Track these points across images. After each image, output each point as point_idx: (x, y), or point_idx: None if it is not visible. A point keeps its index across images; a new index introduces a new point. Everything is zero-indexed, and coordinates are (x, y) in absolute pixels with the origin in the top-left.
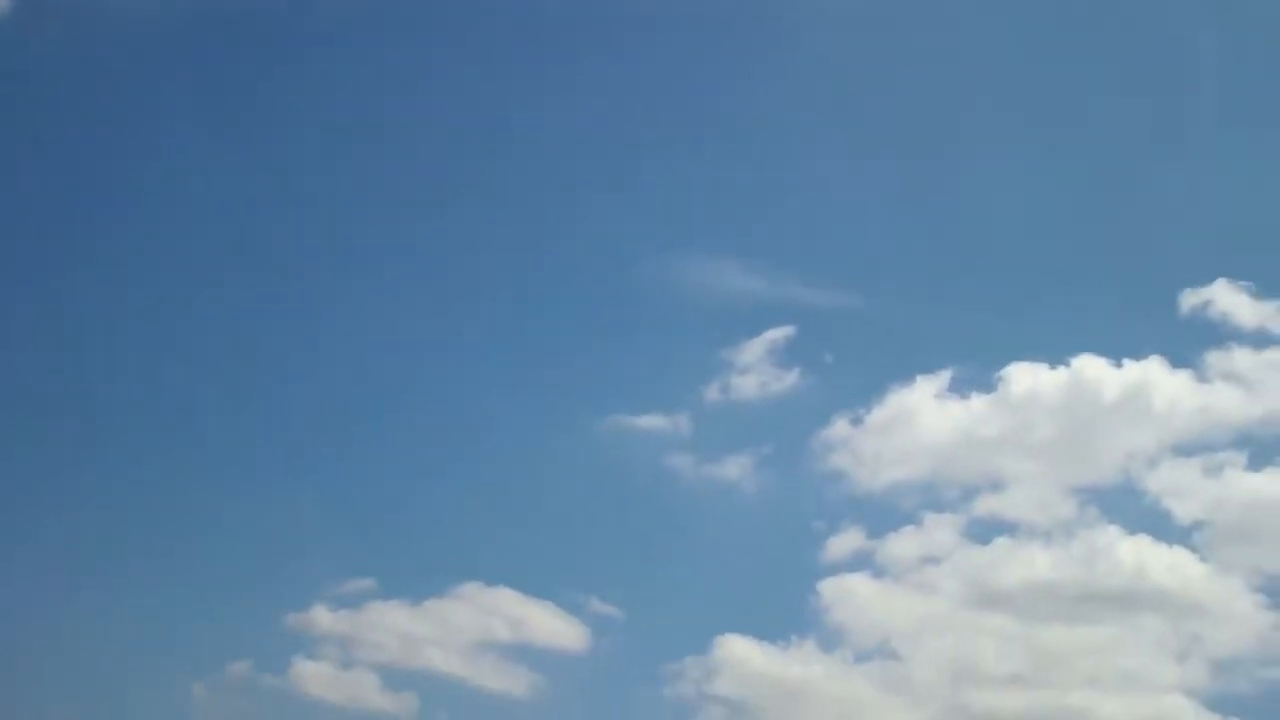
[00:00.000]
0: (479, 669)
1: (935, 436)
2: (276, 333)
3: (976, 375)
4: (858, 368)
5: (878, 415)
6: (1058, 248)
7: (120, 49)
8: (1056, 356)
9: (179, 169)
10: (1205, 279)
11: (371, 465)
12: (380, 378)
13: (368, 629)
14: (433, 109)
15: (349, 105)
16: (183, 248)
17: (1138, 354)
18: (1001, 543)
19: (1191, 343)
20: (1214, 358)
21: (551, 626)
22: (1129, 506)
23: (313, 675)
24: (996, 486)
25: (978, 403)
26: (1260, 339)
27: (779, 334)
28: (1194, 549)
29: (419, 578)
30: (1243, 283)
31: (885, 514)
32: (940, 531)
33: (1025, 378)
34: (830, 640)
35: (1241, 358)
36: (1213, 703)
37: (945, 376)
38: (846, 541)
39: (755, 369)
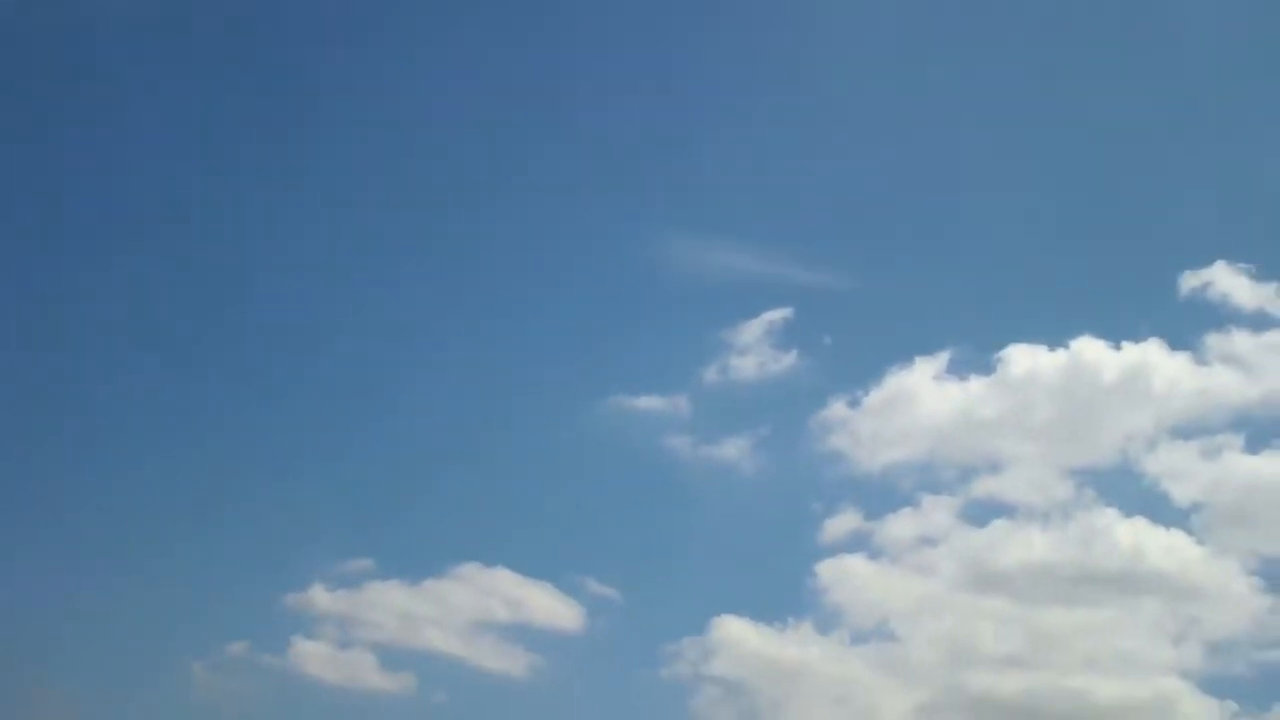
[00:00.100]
0: (477, 649)
1: (933, 418)
2: (275, 317)
3: (975, 357)
4: (856, 349)
5: (876, 397)
6: (1057, 229)
7: (121, 48)
8: (1055, 338)
9: (176, 156)
10: (1205, 261)
11: (370, 446)
12: (378, 360)
13: (366, 609)
14: (431, 96)
15: (354, 94)
16: (181, 231)
17: (1137, 336)
18: (999, 524)
19: (1191, 325)
20: (1213, 340)
21: (549, 607)
22: (1127, 488)
23: (311, 655)
24: (994, 468)
25: (976, 384)
26: (1260, 321)
27: (777, 315)
28: (1191, 531)
29: (417, 558)
30: (1242, 265)
31: (883, 495)
32: (938, 513)
33: (1024, 359)
34: (827, 621)
35: (1241, 340)
36: (1209, 685)
37: (944, 358)
38: (844, 523)
39: (753, 350)
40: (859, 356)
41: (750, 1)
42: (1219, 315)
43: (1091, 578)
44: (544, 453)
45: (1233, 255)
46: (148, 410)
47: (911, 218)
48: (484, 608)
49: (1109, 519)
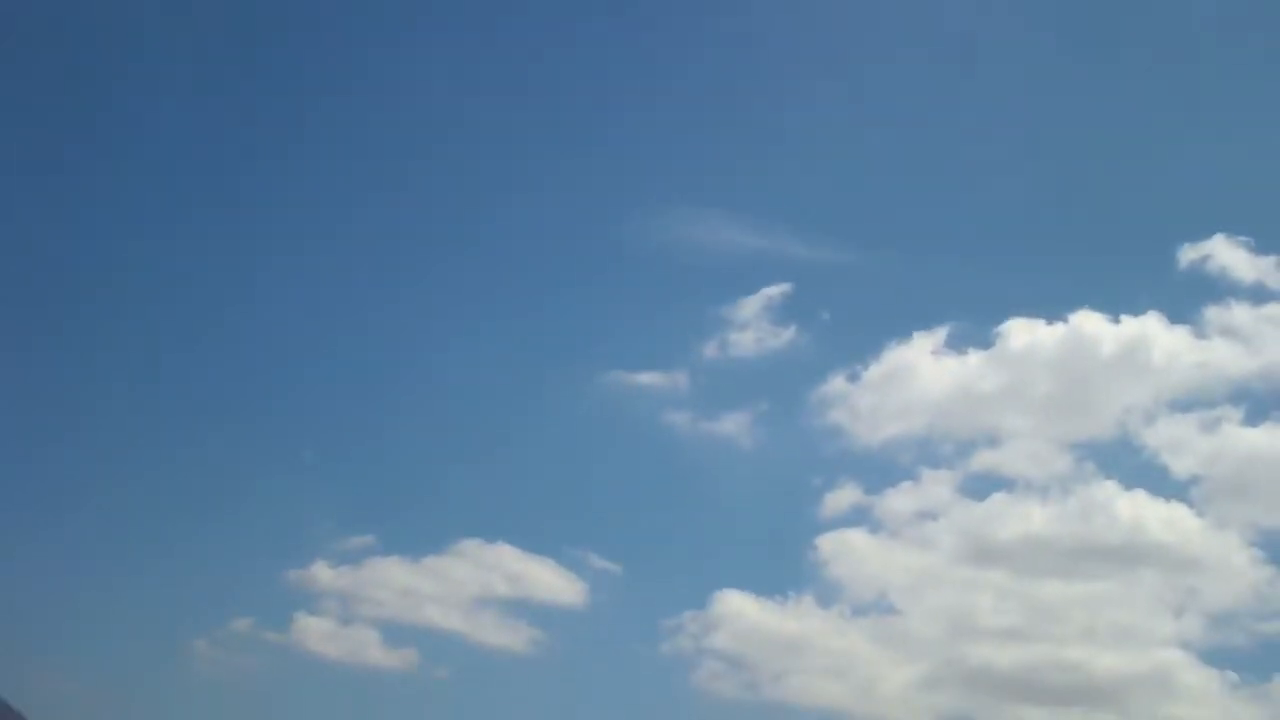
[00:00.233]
0: (478, 624)
1: (932, 392)
2: (280, 300)
3: (974, 331)
4: (855, 324)
5: (875, 371)
6: (1056, 203)
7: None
8: (1054, 312)
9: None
10: (1204, 234)
11: (371, 423)
12: (379, 338)
13: (368, 585)
14: (435, 80)
15: (360, 78)
16: (184, 212)
17: (1136, 309)
18: (998, 498)
19: (1190, 298)
20: (1212, 313)
21: (550, 582)
22: (1126, 461)
23: (314, 631)
24: (994, 442)
25: (975, 359)
26: (1259, 294)
27: (776, 291)
28: (1190, 504)
29: (419, 534)
30: (1241, 238)
31: (882, 469)
32: (937, 487)
33: (1023, 333)
34: (828, 595)
35: (1240, 313)
36: (1208, 656)
37: (943, 332)
38: (844, 497)
39: (752, 326)
40: (858, 331)
41: None
42: (1218, 288)
43: (1091, 550)
44: (544, 429)
45: (1232, 228)
46: (154, 391)
47: (910, 193)
48: (485, 583)
49: (1108, 492)
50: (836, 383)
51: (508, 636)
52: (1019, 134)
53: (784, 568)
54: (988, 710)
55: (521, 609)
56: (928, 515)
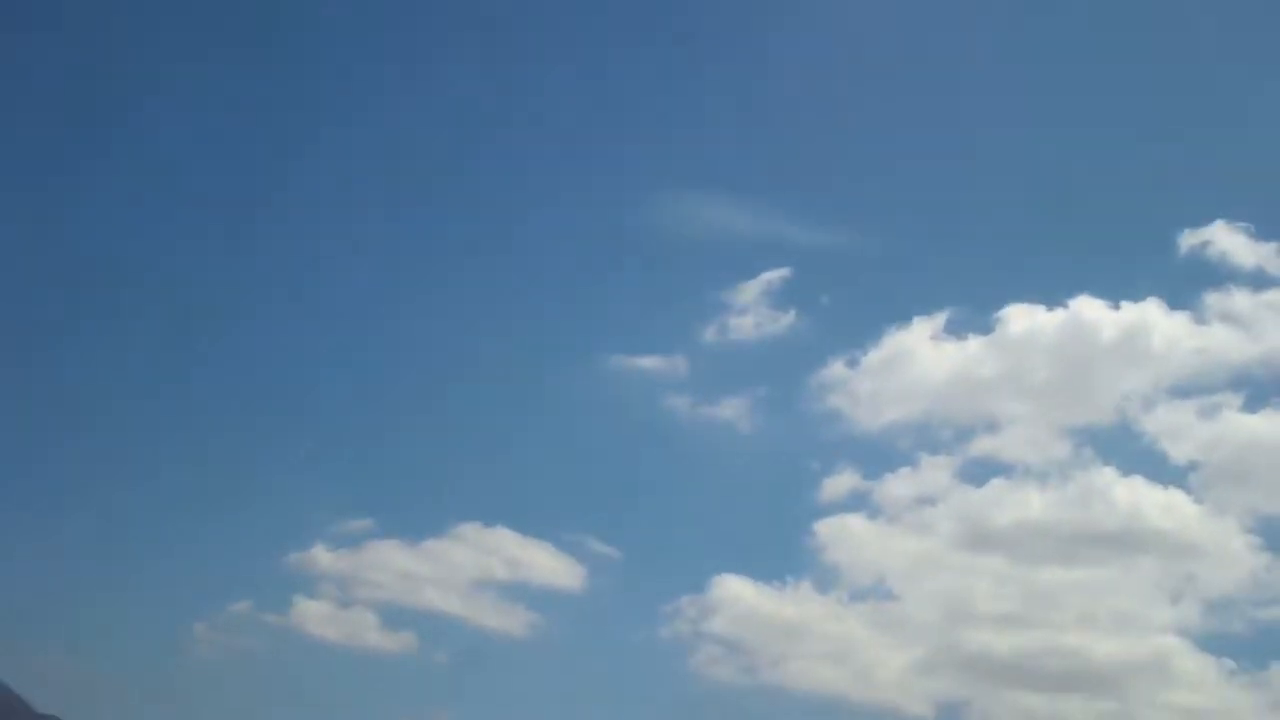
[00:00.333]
0: (477, 608)
1: (931, 378)
2: (278, 281)
3: (974, 316)
4: (854, 309)
5: (874, 356)
6: (1056, 189)
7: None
8: (1054, 298)
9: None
10: (1204, 219)
11: (371, 406)
12: (380, 321)
13: (367, 568)
14: (434, 70)
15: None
16: (186, 208)
17: (1136, 295)
18: (997, 483)
19: (1190, 284)
20: (1212, 299)
21: (549, 566)
22: (1124, 447)
23: (313, 614)
24: (993, 427)
25: (974, 344)
26: (1259, 280)
27: (775, 275)
28: (1189, 490)
29: (417, 517)
30: (1241, 224)
31: (881, 455)
32: (936, 472)
33: (1023, 319)
34: (826, 580)
35: (1240, 299)
36: (1206, 643)
37: (942, 318)
38: (842, 482)
39: (752, 310)
40: (857, 316)
41: None
42: (1218, 274)
43: (1089, 536)
44: (543, 413)
45: (1232, 214)
46: (154, 379)
47: (911, 178)
48: (484, 567)
49: (1107, 478)
50: (836, 367)
51: (506, 620)
52: (1020, 119)
53: (782, 553)
54: (985, 696)
55: (520, 593)
56: (926, 501)
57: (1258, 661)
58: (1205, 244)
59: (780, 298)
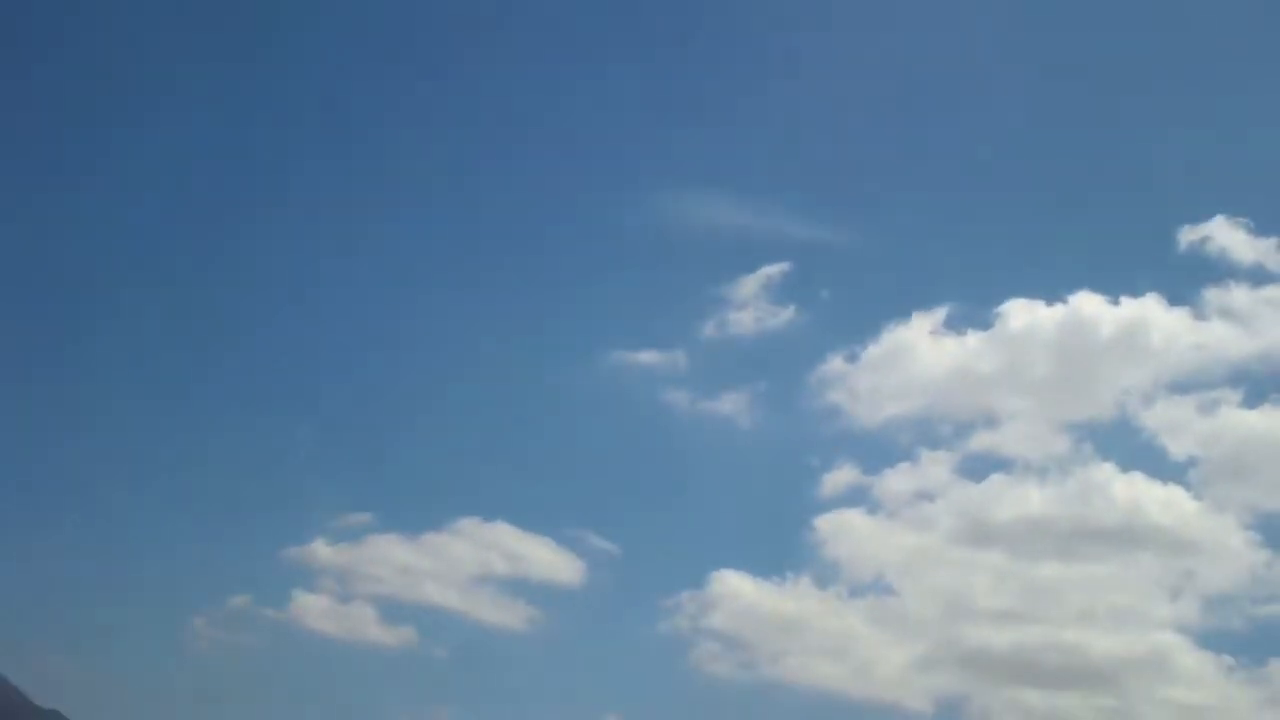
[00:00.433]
0: (476, 603)
1: (931, 373)
2: (279, 274)
3: (973, 312)
4: (854, 304)
5: (874, 352)
6: (1056, 184)
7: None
8: (1054, 293)
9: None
10: (1204, 215)
11: (370, 400)
12: (380, 319)
13: (366, 562)
14: (434, 67)
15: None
16: (188, 206)
17: (1135, 291)
18: (996, 479)
19: (1189, 280)
20: (1212, 295)
21: (548, 561)
22: (1124, 443)
23: (312, 608)
24: (992, 423)
25: (974, 339)
26: (1258, 275)
27: (775, 270)
28: (1188, 486)
29: (417, 512)
30: (1241, 219)
31: (880, 450)
32: (935, 467)
33: (1022, 314)
34: (825, 575)
35: (1239, 295)
36: (1205, 639)
37: (941, 313)
38: (842, 477)
39: (752, 305)
40: (857, 311)
41: None
42: (1218, 270)
43: (1088, 532)
44: (543, 407)
45: (1232, 209)
46: (152, 367)
47: (911, 174)
48: (483, 561)
49: (1106, 474)
50: (835, 363)
51: (506, 615)
52: (1020, 116)
53: (782, 548)
54: (984, 691)
55: (520, 588)
56: (925, 496)
57: (1256, 658)
58: (1205, 240)
59: (780, 292)
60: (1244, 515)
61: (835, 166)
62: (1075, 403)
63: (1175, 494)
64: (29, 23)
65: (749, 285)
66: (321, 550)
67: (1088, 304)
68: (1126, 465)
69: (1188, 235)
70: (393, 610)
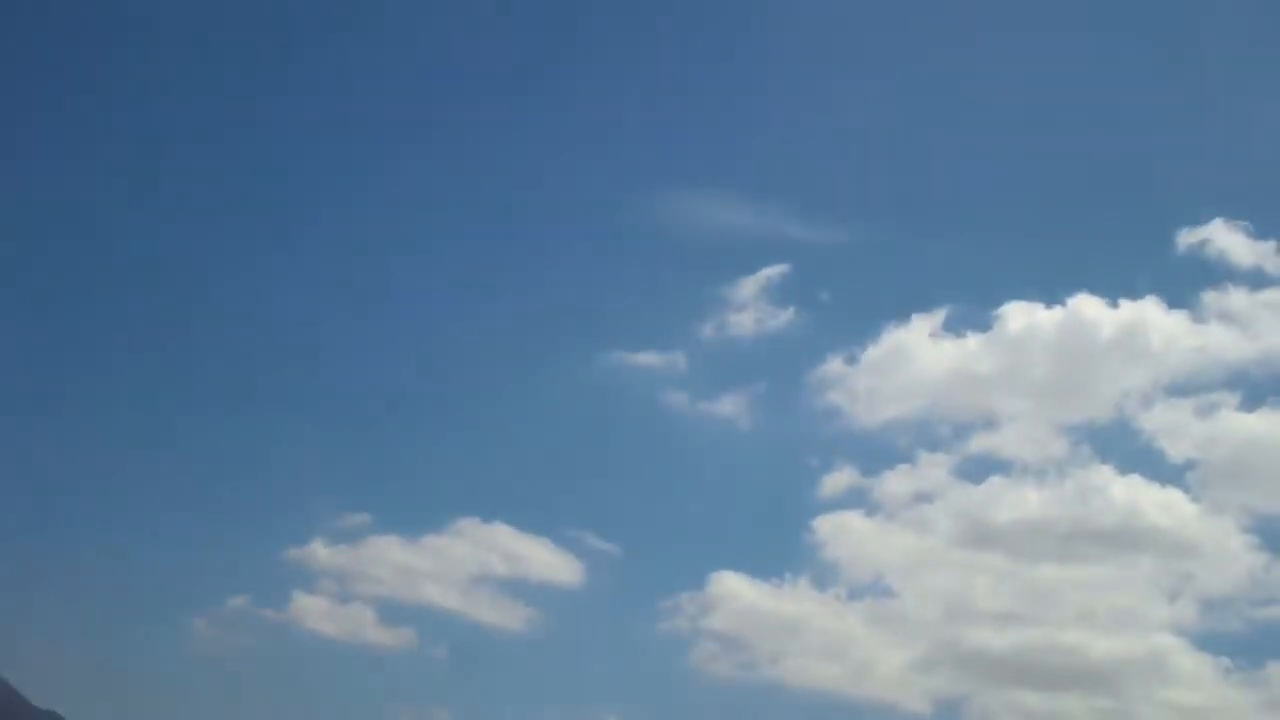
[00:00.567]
0: (475, 604)
1: (930, 375)
2: (278, 273)
3: (972, 314)
4: (853, 306)
5: (873, 353)
6: (1055, 187)
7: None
8: (1053, 295)
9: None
10: (1202, 218)
11: (370, 400)
12: (378, 319)
13: (365, 563)
14: (434, 64)
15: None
16: (188, 202)
17: (1134, 293)
18: (995, 481)
19: (1188, 282)
20: (1210, 297)
21: (547, 562)
22: (1122, 446)
23: (311, 609)
24: (991, 425)
25: (973, 341)
26: (1257, 279)
27: (774, 271)
28: (1187, 489)
29: (416, 513)
30: (1240, 222)
31: (880, 452)
32: (934, 469)
33: (1021, 316)
34: (824, 577)
35: (1238, 297)
36: (1203, 641)
37: (941, 315)
38: (841, 479)
39: (751, 306)
40: (856, 313)
41: None
42: (1216, 272)
43: (1086, 534)
44: (542, 408)
45: (1230, 212)
46: (153, 373)
47: (910, 176)
48: (483, 562)
49: (1104, 476)
50: (834, 364)
51: (505, 616)
52: (1019, 118)
53: (781, 549)
54: (983, 693)
55: (519, 588)
56: (924, 498)
57: (1254, 661)
58: (1203, 242)
59: (779, 294)
60: (1242, 518)
61: (835, 167)
62: (1074, 405)
63: (1174, 496)
64: (29, 23)
65: (748, 286)
66: (321, 551)
67: (1087, 306)
68: (1125, 468)
69: (1186, 238)
70: (392, 611)
